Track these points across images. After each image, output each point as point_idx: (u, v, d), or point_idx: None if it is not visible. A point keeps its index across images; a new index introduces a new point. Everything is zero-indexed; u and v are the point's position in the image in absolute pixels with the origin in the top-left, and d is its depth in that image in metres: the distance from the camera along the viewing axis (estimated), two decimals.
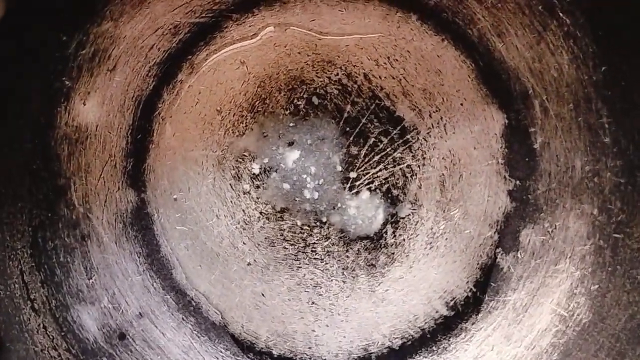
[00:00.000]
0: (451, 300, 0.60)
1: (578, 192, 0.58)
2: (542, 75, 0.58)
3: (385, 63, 0.59)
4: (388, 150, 0.60)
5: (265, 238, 0.60)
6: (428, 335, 0.60)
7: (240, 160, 0.60)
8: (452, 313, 0.60)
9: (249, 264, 0.60)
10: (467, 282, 0.60)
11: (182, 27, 0.58)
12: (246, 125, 0.59)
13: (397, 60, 0.59)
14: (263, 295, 0.60)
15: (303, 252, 0.60)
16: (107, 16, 0.56)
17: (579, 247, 0.58)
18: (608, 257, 0.57)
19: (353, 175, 0.60)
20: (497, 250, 0.60)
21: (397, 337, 0.60)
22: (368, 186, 0.60)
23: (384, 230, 0.60)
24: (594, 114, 0.57)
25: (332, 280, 0.60)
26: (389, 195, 0.60)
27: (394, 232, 0.60)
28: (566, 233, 0.59)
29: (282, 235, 0.60)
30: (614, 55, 0.55)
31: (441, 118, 0.59)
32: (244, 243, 0.60)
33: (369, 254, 0.60)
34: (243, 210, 0.60)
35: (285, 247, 0.60)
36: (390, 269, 0.60)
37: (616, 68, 0.56)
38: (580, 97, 0.57)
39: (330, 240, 0.60)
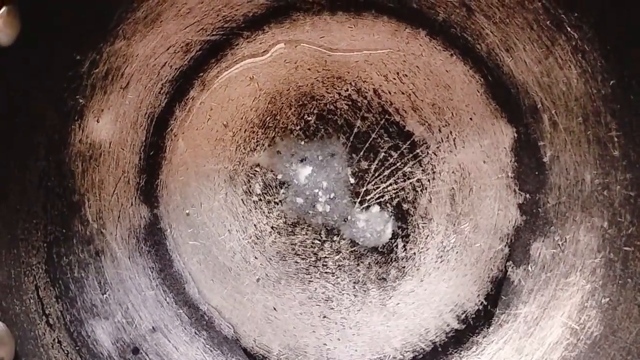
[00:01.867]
0: (462, 314, 0.60)
1: (588, 206, 0.58)
2: (551, 89, 0.58)
3: (394, 78, 0.60)
4: (398, 164, 0.60)
5: (277, 252, 0.61)
6: (439, 349, 0.60)
7: (252, 175, 0.60)
8: (464, 326, 0.61)
9: (258, 279, 0.61)
10: (478, 295, 0.60)
11: (194, 45, 0.59)
12: (257, 141, 0.60)
13: (406, 75, 0.59)
14: (275, 309, 0.60)
15: (314, 266, 0.61)
16: (120, 35, 0.57)
17: (589, 260, 0.58)
18: (619, 270, 0.57)
19: (363, 189, 0.60)
20: (508, 264, 0.60)
21: (408, 351, 0.61)
22: (378, 200, 0.60)
23: (394, 244, 0.60)
24: (603, 128, 0.57)
25: (343, 294, 0.61)
26: (400, 209, 0.60)
27: (404, 246, 0.60)
28: (576, 246, 0.59)
29: (293, 249, 0.61)
30: (623, 69, 0.55)
31: (451, 132, 0.60)
32: (255, 257, 0.61)
33: (380, 267, 0.60)
34: (255, 225, 0.60)
35: (296, 262, 0.61)
36: (401, 283, 0.61)
37: (625, 82, 0.56)
38: (589, 110, 0.58)
39: (341, 254, 0.60)
